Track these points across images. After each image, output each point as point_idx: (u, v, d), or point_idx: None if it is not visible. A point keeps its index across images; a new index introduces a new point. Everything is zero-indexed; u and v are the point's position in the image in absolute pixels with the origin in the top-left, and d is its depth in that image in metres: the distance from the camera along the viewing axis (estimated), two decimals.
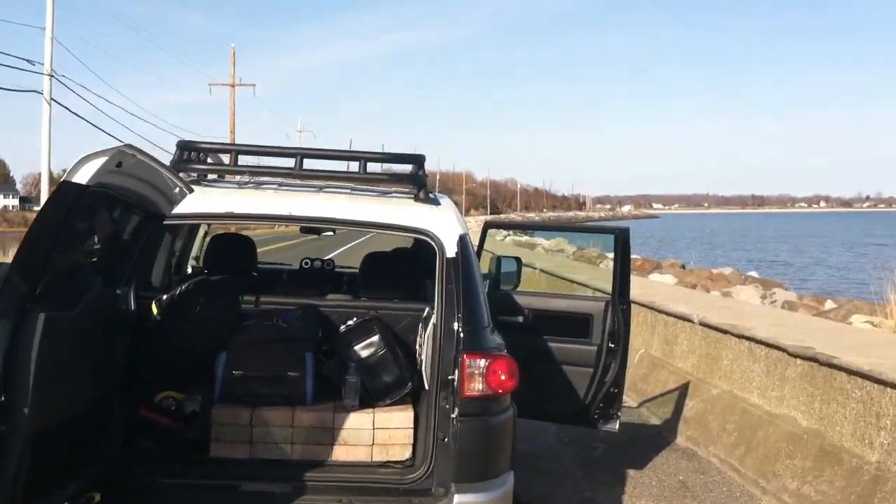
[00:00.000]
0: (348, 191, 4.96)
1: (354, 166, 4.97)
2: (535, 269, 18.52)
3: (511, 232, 44.03)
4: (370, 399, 4.81)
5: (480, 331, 4.46)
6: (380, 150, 5.01)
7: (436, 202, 4.77)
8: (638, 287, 12.98)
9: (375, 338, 4.87)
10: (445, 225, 4.60)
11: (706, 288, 18.02)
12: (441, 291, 4.46)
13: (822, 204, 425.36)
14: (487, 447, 4.42)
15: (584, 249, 30.89)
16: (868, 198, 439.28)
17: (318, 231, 6.96)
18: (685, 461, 7.79)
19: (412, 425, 4.65)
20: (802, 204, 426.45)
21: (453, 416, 4.34)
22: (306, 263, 7.27)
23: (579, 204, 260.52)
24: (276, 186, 4.96)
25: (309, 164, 4.84)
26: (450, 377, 4.35)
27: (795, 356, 6.99)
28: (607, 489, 6.99)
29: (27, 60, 31.60)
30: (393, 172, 4.90)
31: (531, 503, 6.22)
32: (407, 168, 4.92)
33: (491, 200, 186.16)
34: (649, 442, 8.44)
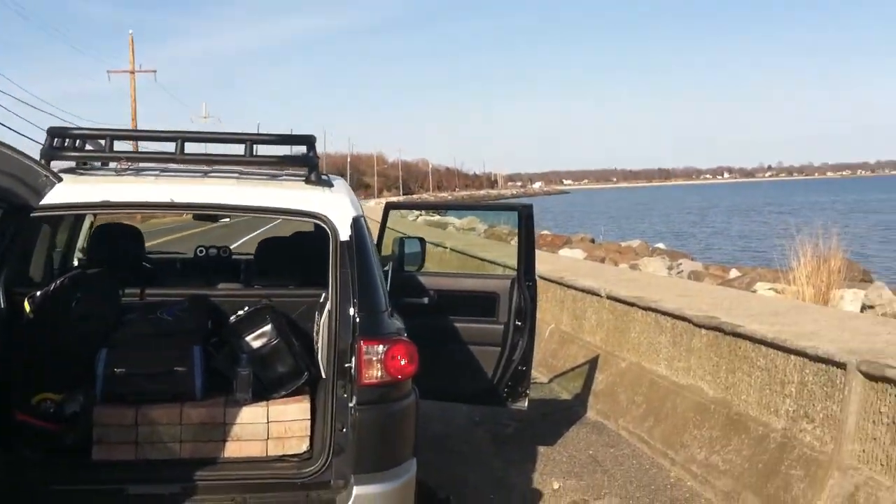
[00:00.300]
0: (236, 175, 4.70)
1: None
2: (446, 248, 18.43)
3: (423, 212, 43.90)
4: (264, 391, 4.57)
5: (377, 315, 4.27)
6: (270, 133, 4.74)
7: (328, 184, 4.55)
8: (547, 263, 12.98)
9: (268, 327, 4.63)
10: (338, 207, 4.39)
11: (615, 261, 18.14)
12: (335, 276, 4.25)
13: (726, 175, 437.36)
14: (388, 435, 4.25)
15: (496, 227, 30.96)
16: (770, 168, 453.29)
17: (212, 218, 6.66)
18: (595, 435, 7.76)
19: (309, 417, 4.44)
20: (707, 176, 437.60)
21: (351, 405, 4.15)
22: (201, 251, 6.96)
23: (491, 182, 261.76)
24: (157, 173, 4.67)
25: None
26: (347, 365, 4.16)
27: (700, 326, 6.98)
28: (519, 467, 6.91)
29: None
30: (282, 155, 4.65)
31: (436, 489, 6.07)
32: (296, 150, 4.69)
33: (403, 181, 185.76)
34: (560, 417, 8.40)
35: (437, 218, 37.62)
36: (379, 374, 4.17)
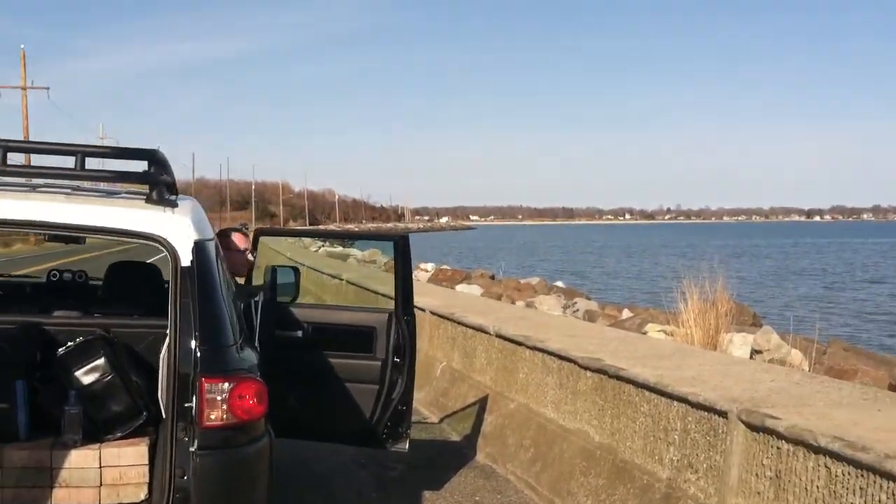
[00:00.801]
0: (68, 191, 4.26)
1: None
2: (343, 279, 18.01)
3: (326, 243, 43.19)
4: (97, 432, 4.10)
5: (222, 350, 3.88)
6: (104, 146, 4.32)
7: (172, 204, 4.14)
8: (440, 298, 12.71)
9: (100, 361, 4.17)
10: (178, 229, 3.98)
11: (512, 298, 17.96)
12: (175, 305, 3.85)
13: (627, 216, 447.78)
14: (234, 484, 3.85)
15: None
16: (669, 210, 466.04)
17: (66, 240, 6.12)
18: (483, 480, 7.44)
19: (147, 461, 3.99)
20: (609, 216, 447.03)
21: (192, 449, 3.74)
22: (54, 276, 6.41)
23: (398, 215, 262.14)
24: None
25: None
26: (187, 405, 3.76)
27: (585, 368, 6.75)
28: None
29: None
30: (118, 170, 4.24)
31: None
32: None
33: (309, 211, 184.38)
34: (448, 460, 8.06)
35: (339, 249, 37.03)
36: (223, 415, 3.78)
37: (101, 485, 3.91)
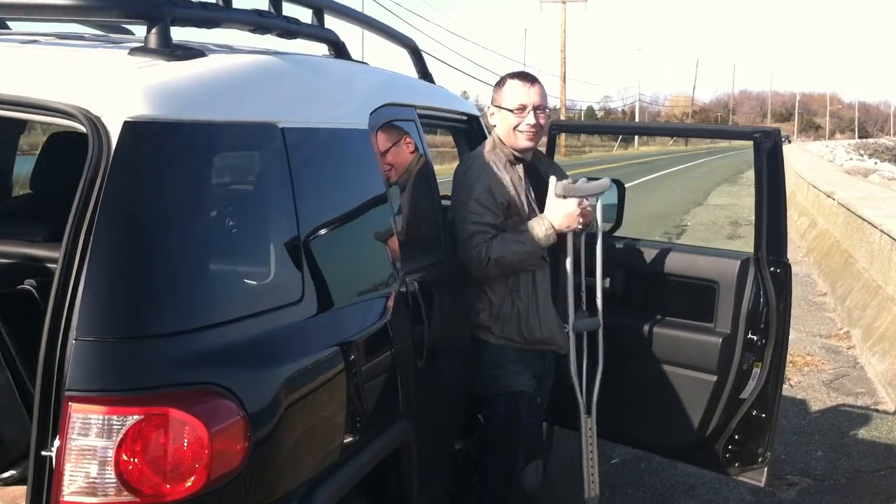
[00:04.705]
0: (46, 38, 2.53)
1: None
2: (834, 200, 14.55)
3: (854, 155, 37.73)
4: None
5: (138, 342, 1.85)
6: None
7: (181, 55, 2.15)
8: None
9: None
10: (103, 95, 1.99)
11: None
12: (68, 243, 1.86)
13: None
14: None
15: None
16: None
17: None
18: None
19: None
20: None
21: None
22: None
23: None
24: None
25: None
26: (44, 453, 1.82)
27: None
28: None
29: None
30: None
31: None
32: None
33: (860, 123, 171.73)
34: (890, 478, 5.27)
35: (863, 164, 31.53)
36: (99, 482, 1.80)
37: None
